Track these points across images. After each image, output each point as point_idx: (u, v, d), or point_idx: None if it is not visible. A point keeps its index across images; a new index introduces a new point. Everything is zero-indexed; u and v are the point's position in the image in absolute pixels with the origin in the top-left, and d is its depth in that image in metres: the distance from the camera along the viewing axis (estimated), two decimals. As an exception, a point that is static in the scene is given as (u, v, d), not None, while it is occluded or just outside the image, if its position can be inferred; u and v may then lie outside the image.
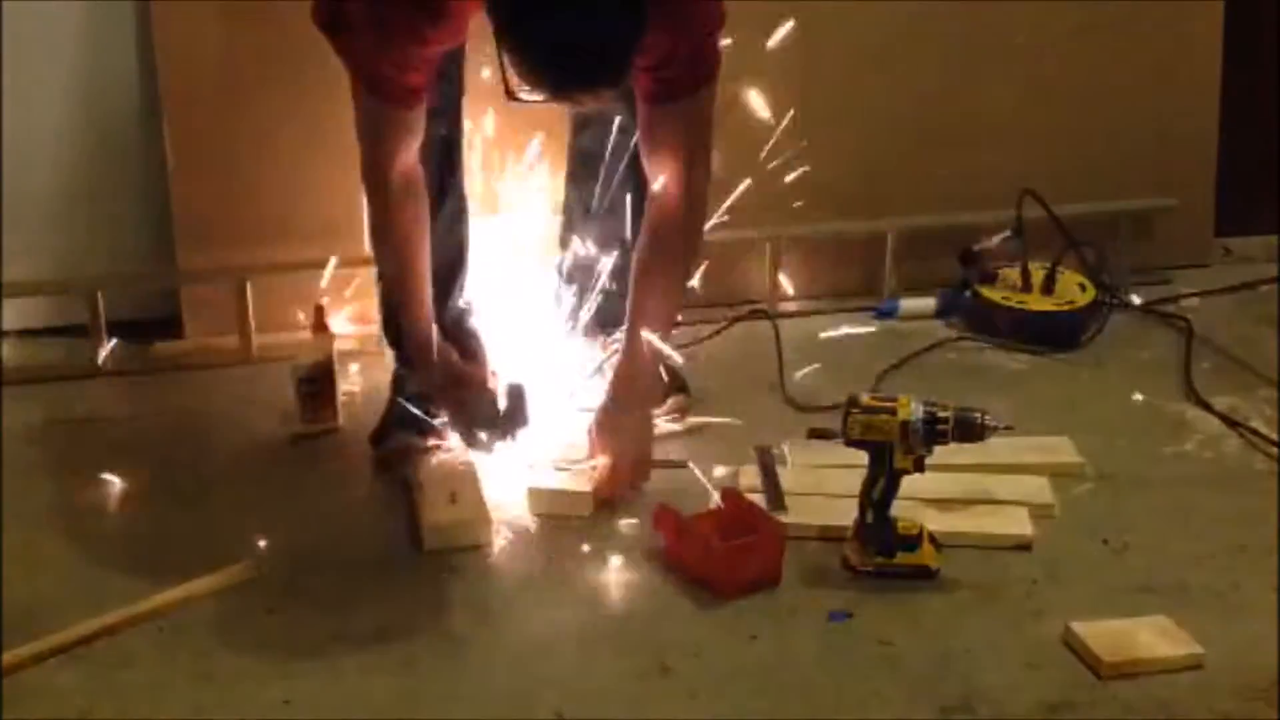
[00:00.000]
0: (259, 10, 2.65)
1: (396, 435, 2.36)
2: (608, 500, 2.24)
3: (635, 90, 2.12)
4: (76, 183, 2.80)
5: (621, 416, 2.27)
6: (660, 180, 2.19)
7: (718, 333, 2.79)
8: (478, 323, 2.42)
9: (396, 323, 2.35)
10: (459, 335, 2.35)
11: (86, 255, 2.81)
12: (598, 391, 2.36)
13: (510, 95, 1.88)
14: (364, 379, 2.59)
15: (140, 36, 2.73)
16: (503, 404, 2.27)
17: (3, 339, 2.72)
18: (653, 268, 2.23)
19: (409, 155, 2.13)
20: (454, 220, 2.38)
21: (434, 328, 2.24)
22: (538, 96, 1.85)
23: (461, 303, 2.41)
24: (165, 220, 2.79)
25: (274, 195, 2.75)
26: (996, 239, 2.93)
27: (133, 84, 2.76)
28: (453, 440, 2.35)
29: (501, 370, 2.34)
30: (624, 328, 2.28)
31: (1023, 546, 2.14)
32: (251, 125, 2.72)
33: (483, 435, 2.26)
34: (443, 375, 2.26)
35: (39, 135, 2.75)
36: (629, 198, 2.37)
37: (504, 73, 1.86)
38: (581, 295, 2.57)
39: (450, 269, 2.38)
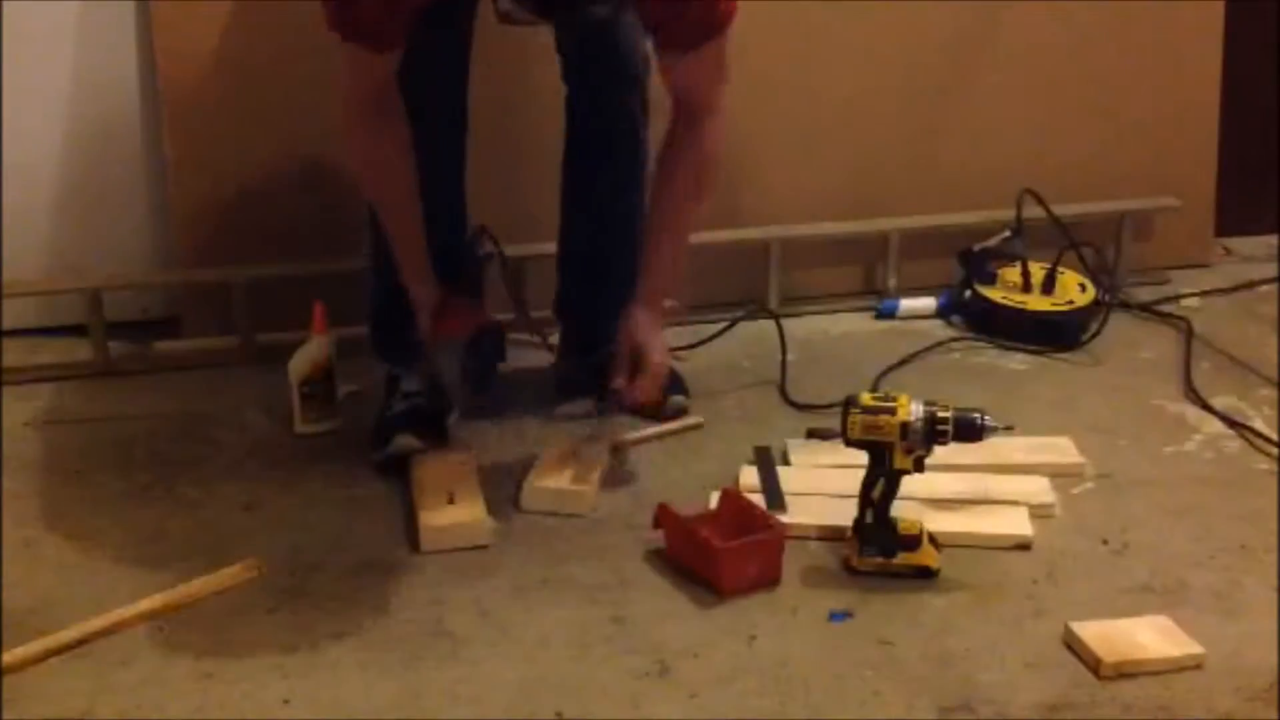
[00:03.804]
0: (259, 10, 2.65)
1: (395, 437, 2.35)
2: (645, 405, 2.34)
3: (652, 41, 2.16)
4: (76, 182, 2.80)
5: (653, 315, 2.31)
6: (681, 108, 2.22)
7: (719, 333, 2.79)
8: (483, 256, 2.41)
9: (385, 316, 2.38)
10: (460, 265, 2.35)
11: (86, 255, 2.81)
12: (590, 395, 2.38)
13: (501, 17, 1.88)
14: (364, 379, 2.59)
15: (140, 36, 2.73)
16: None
17: (2, 339, 2.72)
18: (674, 178, 2.26)
19: (388, 85, 2.12)
20: (453, 135, 2.36)
21: (427, 257, 2.25)
22: (527, 15, 1.84)
23: (470, 231, 2.40)
24: (165, 220, 2.79)
25: (274, 195, 2.75)
26: (996, 239, 2.93)
27: (133, 84, 2.76)
28: (452, 441, 2.35)
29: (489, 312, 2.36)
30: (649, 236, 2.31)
31: (1023, 546, 2.14)
32: (251, 126, 2.72)
33: (460, 380, 2.28)
34: (432, 309, 2.27)
35: (39, 135, 2.74)
36: (629, 181, 2.38)
37: None
38: (577, 280, 2.57)
39: (450, 188, 2.37)
